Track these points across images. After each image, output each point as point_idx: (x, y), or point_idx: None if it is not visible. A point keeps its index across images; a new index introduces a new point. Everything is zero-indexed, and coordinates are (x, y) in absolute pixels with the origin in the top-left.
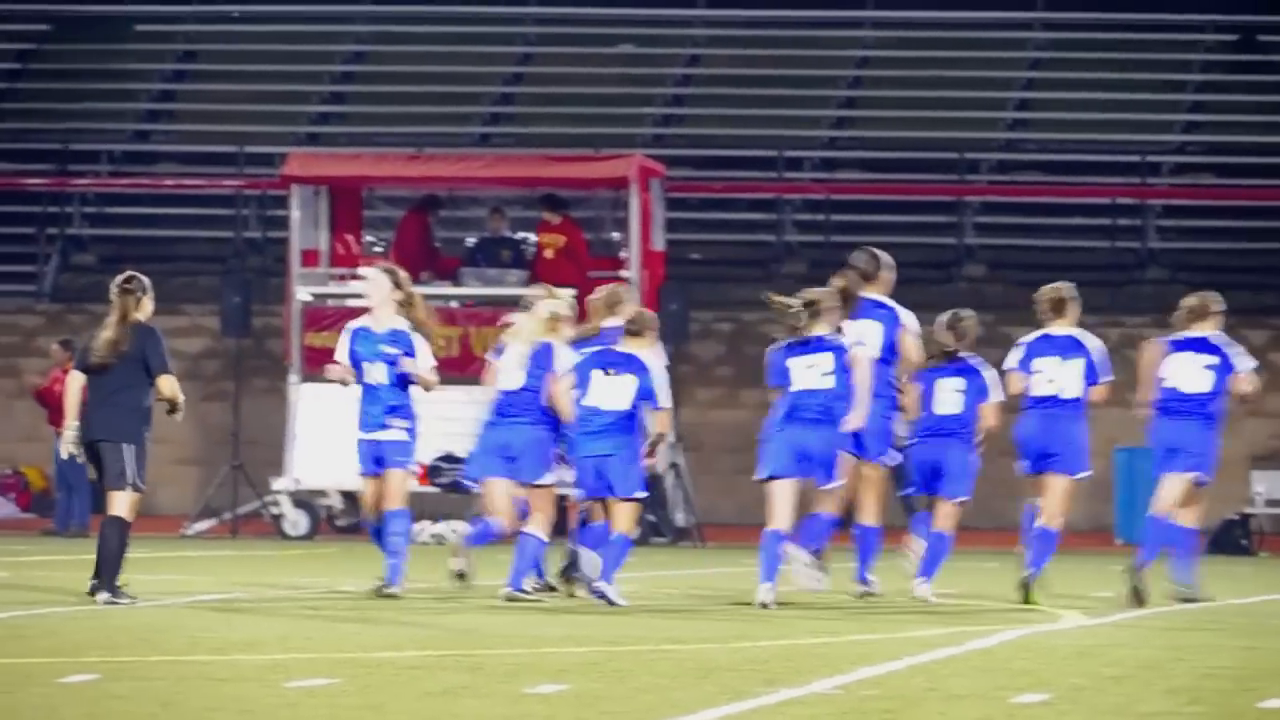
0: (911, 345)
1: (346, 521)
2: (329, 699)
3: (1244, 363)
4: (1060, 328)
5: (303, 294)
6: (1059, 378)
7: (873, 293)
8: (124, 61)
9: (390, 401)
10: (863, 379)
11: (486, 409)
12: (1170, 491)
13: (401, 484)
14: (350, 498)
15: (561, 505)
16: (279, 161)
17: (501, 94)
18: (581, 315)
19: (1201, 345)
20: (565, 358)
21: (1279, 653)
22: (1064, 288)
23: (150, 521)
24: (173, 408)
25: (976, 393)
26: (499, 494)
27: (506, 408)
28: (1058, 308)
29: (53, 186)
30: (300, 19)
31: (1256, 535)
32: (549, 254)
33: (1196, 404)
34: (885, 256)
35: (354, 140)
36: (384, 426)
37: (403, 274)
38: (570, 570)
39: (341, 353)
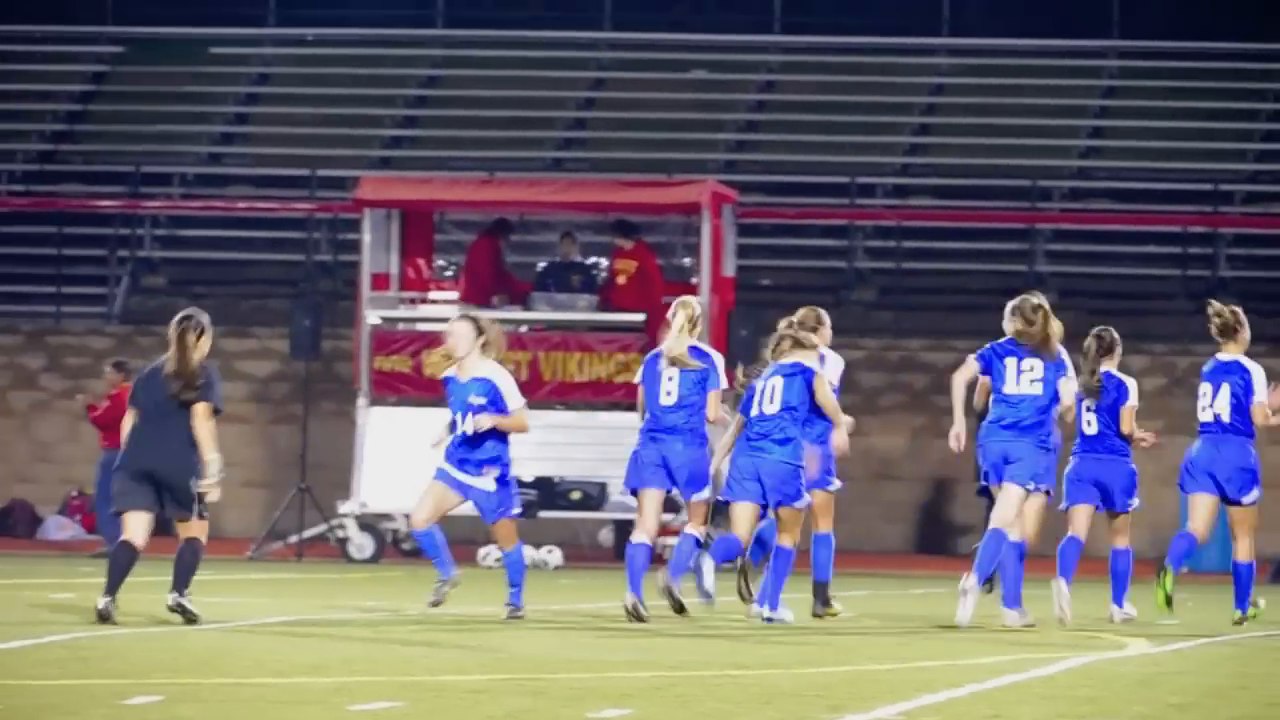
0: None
1: (412, 545)
2: None
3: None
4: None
5: (373, 317)
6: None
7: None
8: (198, 84)
9: (482, 455)
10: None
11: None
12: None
13: (509, 531)
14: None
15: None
16: (351, 185)
17: (574, 119)
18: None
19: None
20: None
21: None
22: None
23: (216, 544)
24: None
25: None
26: (747, 518)
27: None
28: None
29: (124, 208)
30: (374, 43)
31: None
32: (622, 280)
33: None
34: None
35: (426, 164)
36: (477, 474)
37: (484, 319)
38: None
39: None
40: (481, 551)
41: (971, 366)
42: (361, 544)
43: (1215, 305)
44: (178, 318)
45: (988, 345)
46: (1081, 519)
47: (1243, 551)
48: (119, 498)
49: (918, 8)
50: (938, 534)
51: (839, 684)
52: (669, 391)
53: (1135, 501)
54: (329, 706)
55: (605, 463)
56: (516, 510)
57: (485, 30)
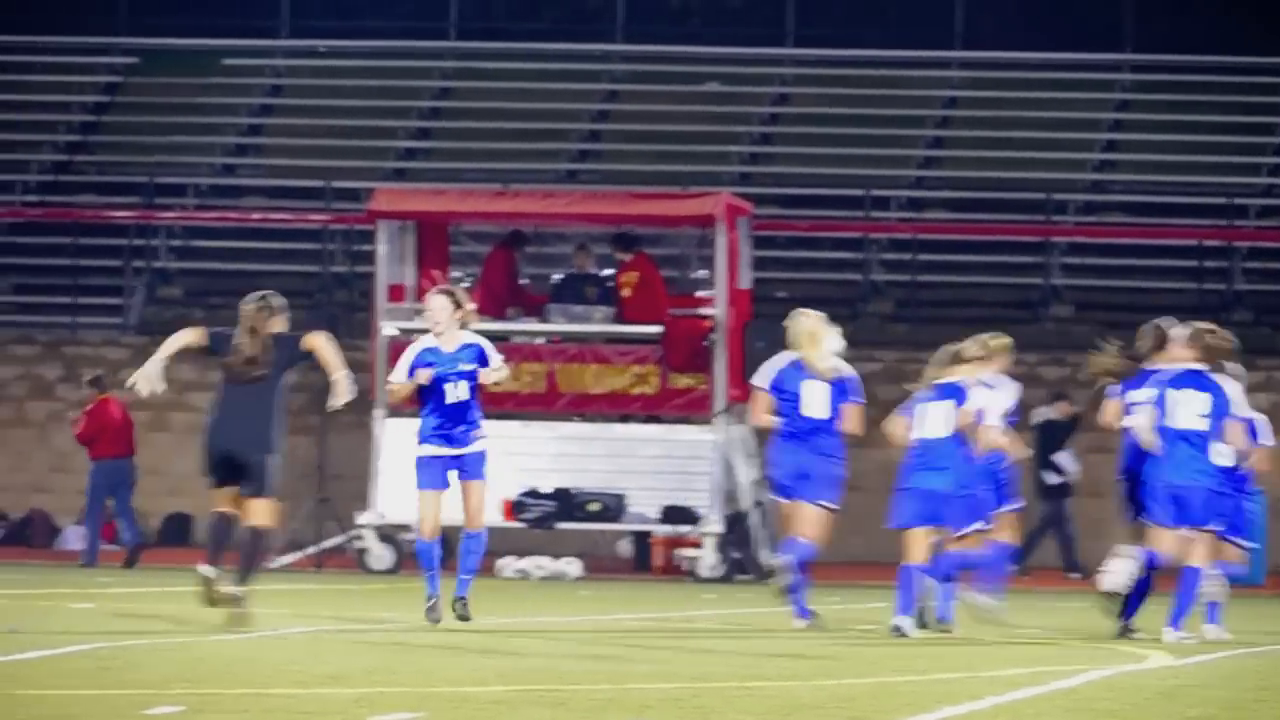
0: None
1: None
2: None
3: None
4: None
5: (388, 329)
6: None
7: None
8: (211, 95)
9: (473, 417)
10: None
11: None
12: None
13: (484, 498)
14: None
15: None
16: (365, 197)
17: (589, 131)
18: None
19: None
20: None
21: None
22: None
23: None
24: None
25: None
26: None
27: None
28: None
29: (139, 219)
30: (388, 55)
31: None
32: (626, 292)
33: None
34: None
35: (440, 176)
36: (468, 442)
37: (460, 292)
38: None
39: (401, 374)
40: (500, 562)
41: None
42: (380, 555)
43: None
44: (252, 298)
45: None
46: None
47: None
48: (206, 473)
49: (931, 20)
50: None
51: (860, 696)
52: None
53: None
54: (350, 717)
55: (623, 475)
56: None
57: (499, 42)
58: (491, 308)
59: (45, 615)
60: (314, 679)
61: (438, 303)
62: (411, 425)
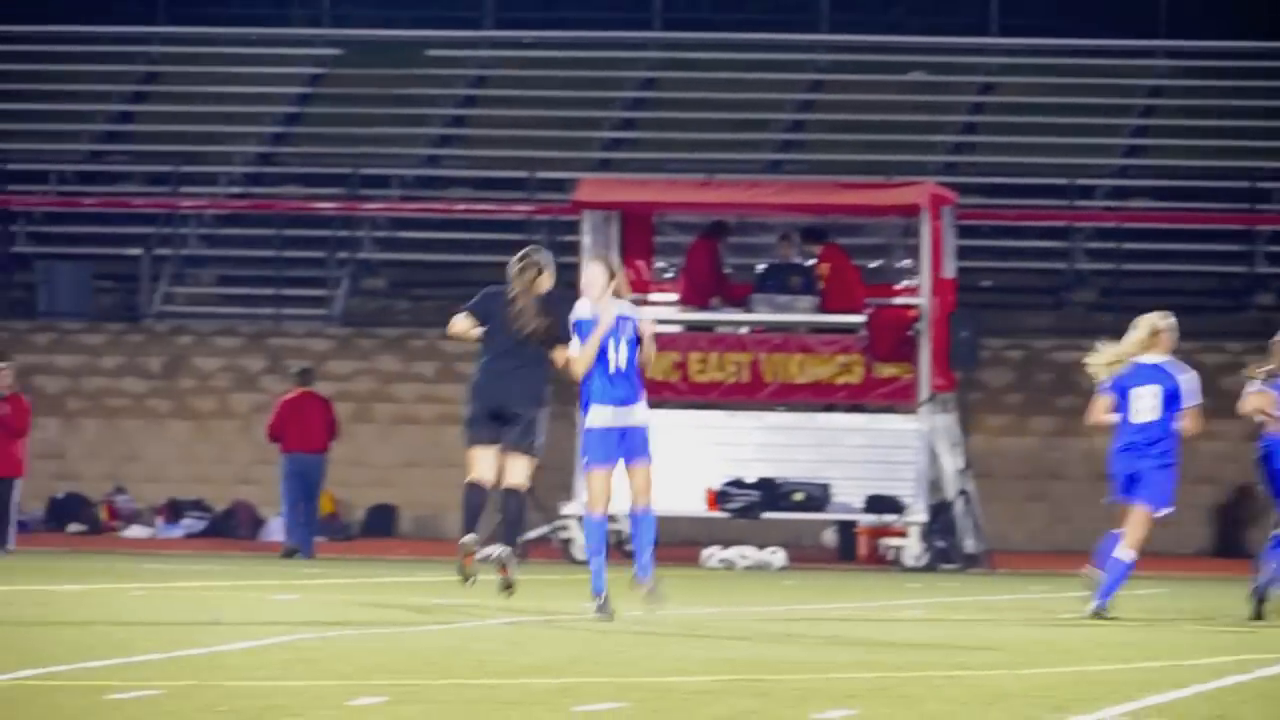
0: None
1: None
2: None
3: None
4: None
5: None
6: None
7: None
8: (415, 86)
9: (634, 384)
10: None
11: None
12: None
13: (650, 478)
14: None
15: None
16: (570, 187)
17: (793, 121)
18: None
19: None
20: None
21: None
22: None
23: (439, 545)
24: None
25: None
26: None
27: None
28: None
29: (343, 210)
30: (593, 45)
31: None
32: (820, 285)
33: None
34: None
35: (645, 166)
36: (631, 410)
37: (614, 262)
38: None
39: (574, 344)
40: (705, 552)
41: None
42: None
43: None
44: (519, 255)
45: None
46: None
47: None
48: (469, 432)
49: (1136, 8)
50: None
51: (1063, 684)
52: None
53: None
54: (553, 707)
55: (827, 464)
56: None
57: (703, 33)
58: (695, 297)
59: (249, 606)
60: (516, 669)
61: (594, 271)
62: None
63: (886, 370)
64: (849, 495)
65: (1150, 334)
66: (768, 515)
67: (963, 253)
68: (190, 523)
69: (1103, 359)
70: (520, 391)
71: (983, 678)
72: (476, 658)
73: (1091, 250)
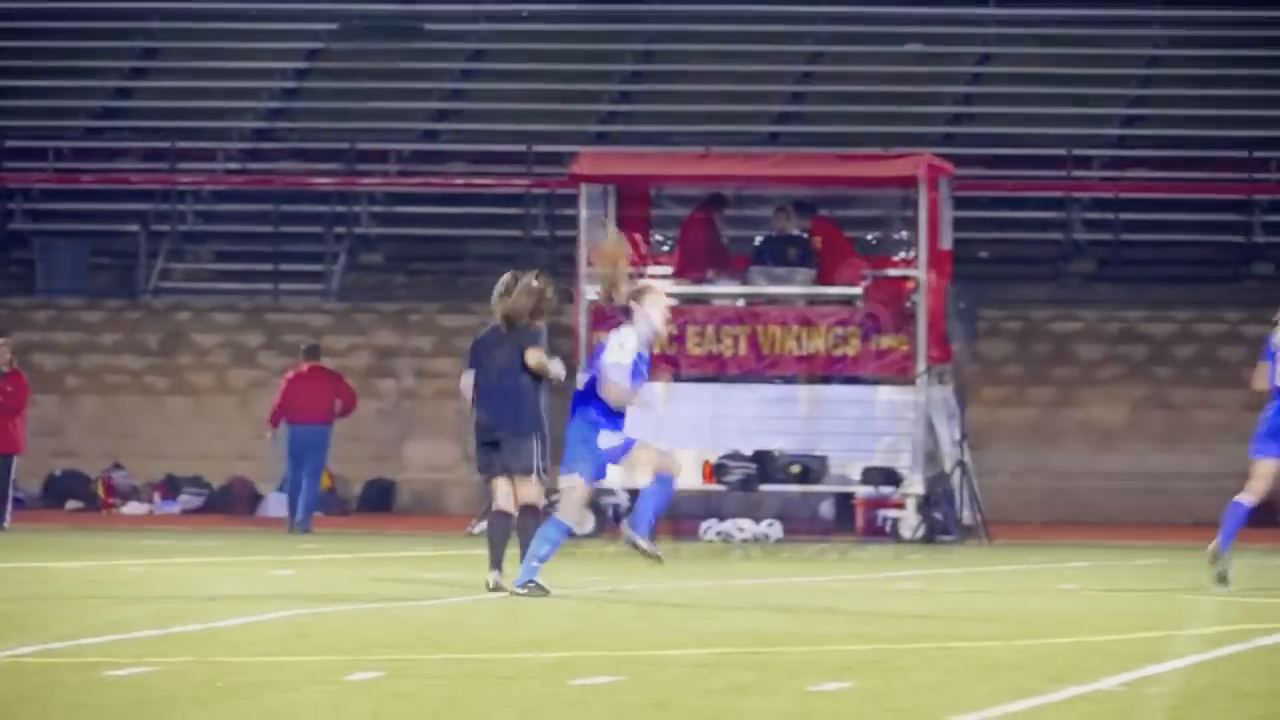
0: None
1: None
2: (613, 696)
3: None
4: None
5: (591, 293)
6: None
7: None
8: (413, 61)
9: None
10: None
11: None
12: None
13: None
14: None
15: None
16: (567, 160)
17: (791, 93)
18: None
19: None
20: None
21: None
22: None
23: (437, 520)
24: (538, 376)
25: None
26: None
27: None
28: None
29: (341, 186)
30: (590, 18)
31: None
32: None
33: None
34: None
35: (642, 139)
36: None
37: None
38: None
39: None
40: (704, 525)
41: None
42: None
43: None
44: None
45: None
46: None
47: None
48: (480, 467)
49: None
50: (1160, 505)
51: (1060, 655)
52: None
53: None
54: (550, 681)
55: (825, 436)
56: None
57: (701, 5)
58: (691, 270)
59: (246, 581)
60: (513, 644)
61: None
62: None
63: (884, 342)
64: (846, 467)
65: None
66: (765, 488)
67: (960, 224)
68: (187, 499)
69: None
70: (510, 419)
71: (979, 649)
72: (472, 632)
73: (1089, 220)
